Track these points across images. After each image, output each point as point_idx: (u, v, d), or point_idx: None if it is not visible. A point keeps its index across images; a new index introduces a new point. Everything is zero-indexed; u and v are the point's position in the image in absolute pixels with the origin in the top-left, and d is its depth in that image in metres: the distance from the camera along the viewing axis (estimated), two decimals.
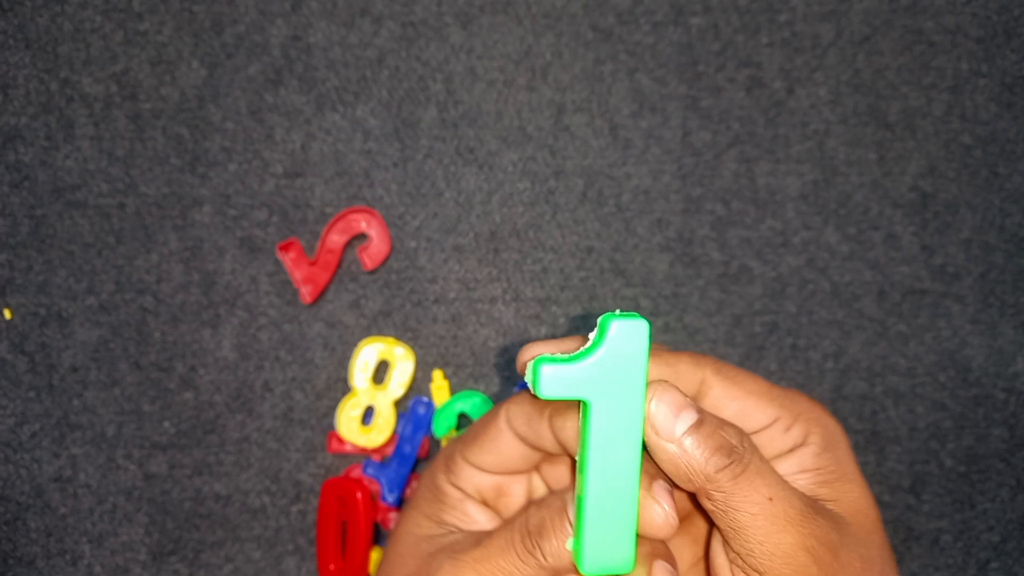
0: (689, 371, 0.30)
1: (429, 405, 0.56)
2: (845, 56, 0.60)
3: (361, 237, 0.57)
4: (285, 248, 0.56)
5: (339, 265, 0.56)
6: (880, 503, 0.57)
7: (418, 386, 0.57)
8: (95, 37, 0.57)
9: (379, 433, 0.55)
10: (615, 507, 0.26)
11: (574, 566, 0.27)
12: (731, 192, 0.58)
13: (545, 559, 0.27)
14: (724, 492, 0.26)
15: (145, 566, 0.55)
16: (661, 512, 0.27)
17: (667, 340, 0.57)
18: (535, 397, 0.28)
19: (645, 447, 0.27)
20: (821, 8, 0.59)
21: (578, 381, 0.26)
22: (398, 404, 0.56)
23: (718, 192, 0.58)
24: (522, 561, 0.27)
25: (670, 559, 0.27)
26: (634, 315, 0.26)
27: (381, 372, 0.57)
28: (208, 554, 0.56)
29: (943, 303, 0.59)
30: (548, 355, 0.27)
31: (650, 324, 0.26)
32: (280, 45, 0.58)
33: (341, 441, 0.55)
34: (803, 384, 0.58)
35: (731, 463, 0.26)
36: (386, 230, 0.56)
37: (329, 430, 0.56)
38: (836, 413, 0.57)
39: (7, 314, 0.56)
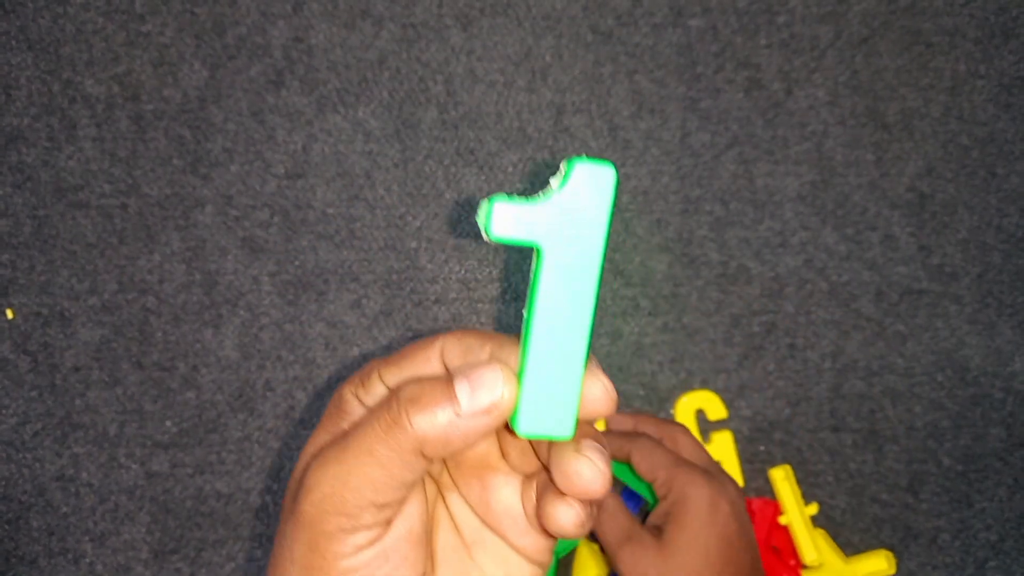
0: (636, 447, 0.48)
1: None
2: (843, 57, 0.60)
3: None
4: None
5: None
6: (878, 502, 0.57)
7: None
8: (97, 38, 0.58)
9: None
10: (560, 366, 0.24)
11: (442, 441, 0.25)
12: (730, 193, 0.59)
13: (411, 425, 0.25)
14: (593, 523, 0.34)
15: (147, 564, 0.56)
16: (601, 386, 0.26)
17: (666, 340, 0.57)
18: (479, 334, 0.27)
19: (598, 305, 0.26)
20: (819, 10, 0.60)
21: (533, 222, 0.24)
22: None
23: (717, 193, 0.59)
24: (385, 435, 0.25)
25: (599, 440, 0.27)
26: (603, 161, 0.24)
27: None
28: (210, 552, 0.56)
29: (941, 303, 0.59)
30: (505, 194, 0.25)
31: (617, 173, 0.24)
32: (281, 47, 0.58)
33: None
34: (801, 383, 0.58)
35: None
36: None
37: None
38: (834, 413, 0.58)
39: (9, 314, 0.56)
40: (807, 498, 0.57)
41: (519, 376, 0.25)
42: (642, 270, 0.58)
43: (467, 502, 0.30)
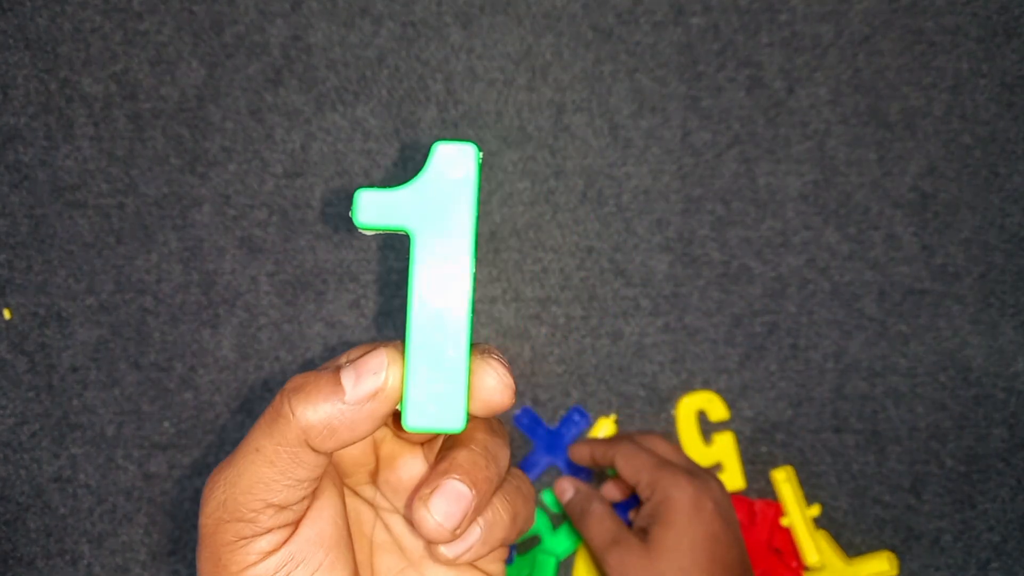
0: (619, 452, 0.50)
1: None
2: (845, 56, 0.60)
3: None
4: None
5: None
6: (880, 503, 0.57)
7: None
8: (95, 37, 0.57)
9: None
10: (443, 355, 0.24)
11: (328, 430, 0.24)
12: (731, 192, 0.58)
13: (294, 416, 0.24)
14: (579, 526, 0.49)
15: (145, 566, 0.55)
16: (494, 375, 0.25)
17: (667, 340, 0.57)
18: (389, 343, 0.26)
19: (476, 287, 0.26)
20: (821, 8, 0.60)
21: (398, 208, 0.24)
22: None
23: (718, 192, 0.58)
24: (270, 429, 0.24)
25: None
26: (465, 140, 0.25)
27: None
28: None
29: (943, 303, 0.59)
30: (376, 186, 0.25)
31: (479, 149, 0.25)
32: (280, 45, 0.58)
33: None
34: (803, 384, 0.58)
35: (580, 512, 0.50)
36: None
37: None
38: (836, 413, 0.58)
39: (7, 314, 0.56)
40: (809, 499, 0.57)
41: (404, 369, 0.24)
42: (643, 270, 0.58)
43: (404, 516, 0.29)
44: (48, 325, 0.56)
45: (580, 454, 0.53)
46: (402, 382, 0.24)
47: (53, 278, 0.56)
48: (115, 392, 0.56)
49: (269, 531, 0.25)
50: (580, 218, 0.58)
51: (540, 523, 0.55)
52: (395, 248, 0.57)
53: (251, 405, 0.56)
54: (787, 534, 0.55)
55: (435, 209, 0.24)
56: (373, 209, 0.24)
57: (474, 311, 0.27)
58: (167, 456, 0.56)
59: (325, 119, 0.58)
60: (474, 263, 0.24)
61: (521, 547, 0.55)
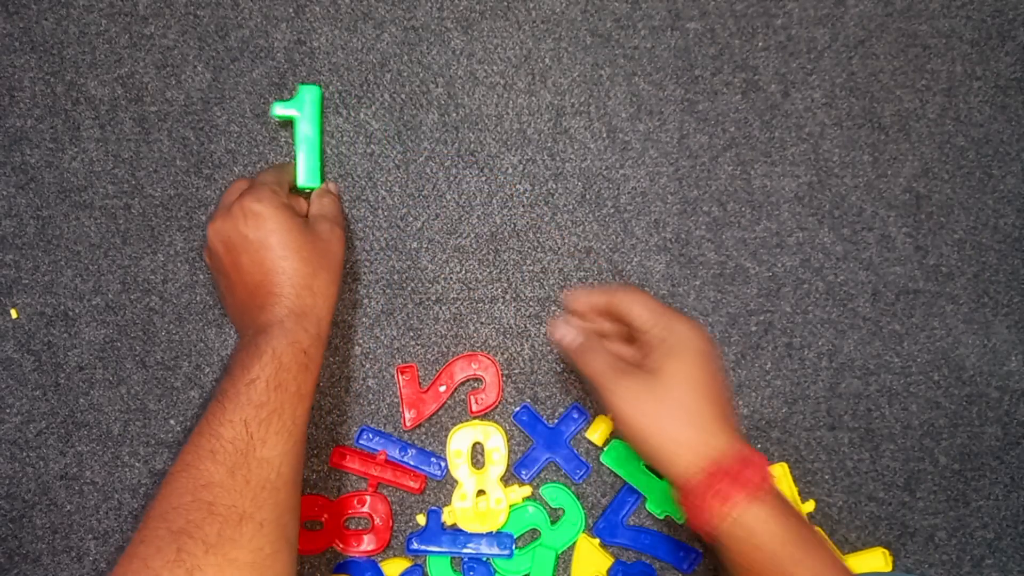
0: (624, 295, 0.49)
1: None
2: (840, 60, 0.60)
3: (475, 381, 0.57)
4: (403, 371, 0.57)
5: (444, 402, 0.57)
6: (874, 500, 0.58)
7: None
8: (101, 40, 0.58)
9: (494, 516, 0.55)
10: (311, 159, 0.56)
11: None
12: (727, 194, 0.59)
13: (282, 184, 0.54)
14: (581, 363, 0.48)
15: None
16: (328, 184, 0.58)
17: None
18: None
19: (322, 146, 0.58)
20: (816, 12, 0.60)
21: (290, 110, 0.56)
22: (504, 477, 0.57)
23: (714, 194, 0.59)
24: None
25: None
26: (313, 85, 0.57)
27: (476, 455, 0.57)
28: None
29: (937, 303, 0.60)
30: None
31: (319, 89, 0.57)
32: (284, 49, 0.58)
33: (343, 456, 0.56)
34: (798, 382, 0.58)
35: (584, 349, 0.49)
36: (499, 380, 0.57)
37: (331, 427, 0.57)
38: (831, 411, 0.58)
39: (14, 314, 0.57)
40: (804, 496, 0.57)
41: (294, 165, 0.56)
42: (640, 270, 0.59)
43: None
44: (55, 325, 0.57)
45: (578, 299, 0.52)
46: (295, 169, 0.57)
47: (60, 278, 0.57)
48: (121, 390, 0.57)
49: None
50: (579, 219, 0.59)
51: (539, 518, 0.56)
52: (396, 249, 0.58)
53: None
54: None
55: (304, 109, 0.57)
56: (280, 109, 0.56)
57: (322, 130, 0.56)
58: (173, 454, 0.56)
59: (328, 122, 0.58)
60: (320, 135, 0.57)
61: (520, 541, 0.56)
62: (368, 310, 0.58)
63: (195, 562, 0.38)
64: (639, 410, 0.44)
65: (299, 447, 0.45)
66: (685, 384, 0.45)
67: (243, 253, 0.49)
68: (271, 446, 0.43)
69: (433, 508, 0.56)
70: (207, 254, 0.52)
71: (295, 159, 0.56)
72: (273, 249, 0.48)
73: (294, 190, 0.56)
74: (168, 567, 0.38)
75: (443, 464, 0.56)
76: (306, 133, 0.56)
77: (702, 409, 0.44)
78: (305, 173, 0.56)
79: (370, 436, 0.56)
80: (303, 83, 0.58)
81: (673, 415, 0.44)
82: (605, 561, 0.55)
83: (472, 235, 0.58)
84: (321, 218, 0.53)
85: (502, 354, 0.57)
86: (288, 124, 0.58)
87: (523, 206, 0.58)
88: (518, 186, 0.59)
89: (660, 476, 0.55)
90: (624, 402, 0.45)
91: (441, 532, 0.55)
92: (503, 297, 0.58)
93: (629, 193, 0.59)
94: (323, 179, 0.57)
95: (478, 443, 0.56)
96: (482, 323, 0.58)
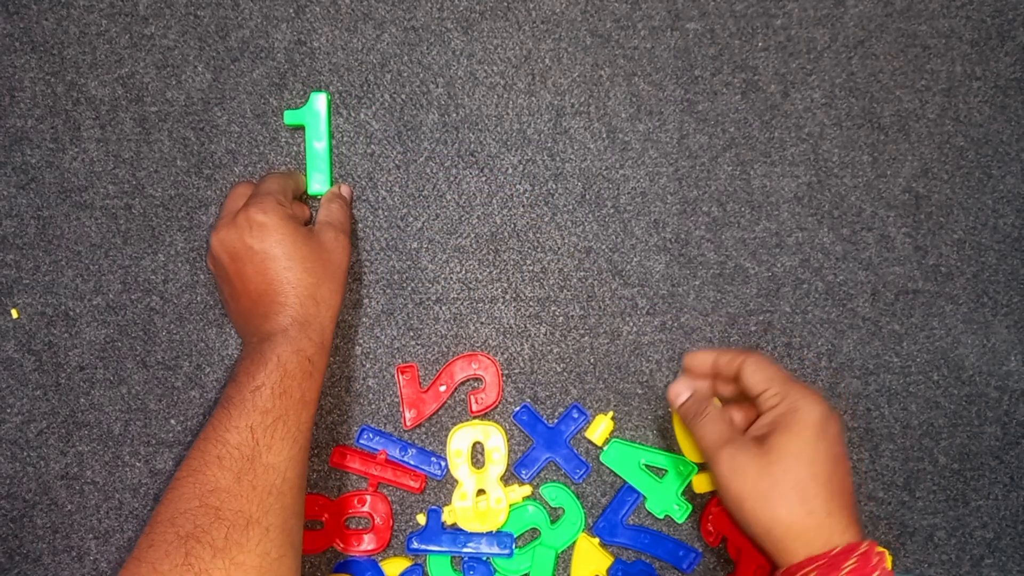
0: (745, 361, 0.48)
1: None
2: (840, 60, 0.60)
3: (475, 381, 0.57)
4: (403, 371, 0.57)
5: (445, 402, 0.57)
6: (874, 499, 0.58)
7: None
8: (101, 41, 0.58)
9: (494, 516, 0.55)
10: (322, 169, 0.57)
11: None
12: (727, 194, 0.59)
13: (295, 189, 0.56)
14: (692, 427, 0.48)
15: None
16: (337, 185, 0.58)
17: (663, 339, 0.58)
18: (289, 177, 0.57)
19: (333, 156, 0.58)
20: (816, 12, 0.60)
21: (303, 118, 0.57)
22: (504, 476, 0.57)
23: (714, 194, 0.59)
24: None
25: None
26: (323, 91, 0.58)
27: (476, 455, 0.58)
28: None
29: (936, 303, 0.60)
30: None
31: (329, 96, 0.58)
32: (284, 49, 0.58)
33: (344, 455, 0.56)
34: None
35: (695, 414, 0.48)
36: (499, 379, 0.57)
37: (331, 426, 0.57)
38: None
39: (14, 314, 0.57)
40: None
41: (306, 175, 0.57)
42: (640, 270, 0.59)
43: None
44: (55, 324, 0.57)
45: (700, 361, 0.50)
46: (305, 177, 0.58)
47: (60, 278, 0.57)
48: (122, 390, 0.57)
49: None
50: (579, 219, 0.59)
51: (539, 517, 0.56)
52: (396, 249, 0.58)
53: None
54: None
55: (311, 121, 0.58)
56: (291, 117, 0.58)
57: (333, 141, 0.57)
58: (174, 453, 0.56)
59: (329, 122, 0.58)
60: (331, 146, 0.58)
61: (520, 541, 0.56)
62: (368, 310, 0.58)
63: (203, 566, 0.39)
64: (749, 488, 0.42)
65: (304, 453, 0.45)
66: (802, 465, 0.42)
67: (248, 263, 0.49)
68: (277, 452, 0.43)
69: (433, 508, 0.56)
70: (211, 261, 0.52)
71: (305, 167, 0.57)
72: (278, 260, 0.49)
73: (302, 197, 0.57)
74: (177, 571, 0.38)
75: (443, 464, 0.56)
76: (317, 141, 0.57)
77: (819, 494, 0.42)
78: (317, 182, 0.57)
79: (370, 436, 0.56)
80: (315, 89, 0.58)
81: (786, 498, 0.42)
82: (605, 560, 0.56)
83: (472, 235, 0.58)
84: (327, 225, 0.53)
85: (502, 354, 0.58)
86: (295, 127, 0.58)
87: (523, 206, 0.59)
88: (518, 186, 0.59)
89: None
90: (734, 477, 0.43)
91: (441, 531, 0.55)
92: (503, 297, 0.58)
93: (629, 193, 0.59)
94: (333, 185, 0.58)
95: (478, 443, 0.56)
96: (482, 323, 0.58)
